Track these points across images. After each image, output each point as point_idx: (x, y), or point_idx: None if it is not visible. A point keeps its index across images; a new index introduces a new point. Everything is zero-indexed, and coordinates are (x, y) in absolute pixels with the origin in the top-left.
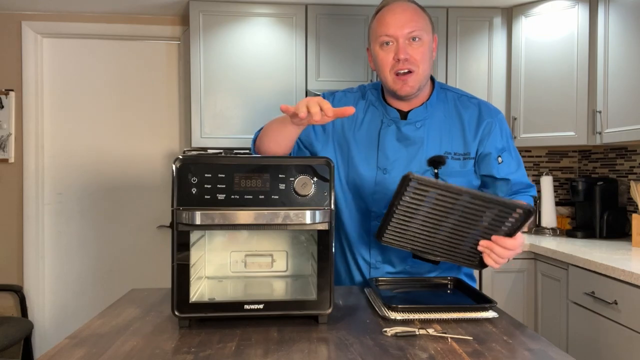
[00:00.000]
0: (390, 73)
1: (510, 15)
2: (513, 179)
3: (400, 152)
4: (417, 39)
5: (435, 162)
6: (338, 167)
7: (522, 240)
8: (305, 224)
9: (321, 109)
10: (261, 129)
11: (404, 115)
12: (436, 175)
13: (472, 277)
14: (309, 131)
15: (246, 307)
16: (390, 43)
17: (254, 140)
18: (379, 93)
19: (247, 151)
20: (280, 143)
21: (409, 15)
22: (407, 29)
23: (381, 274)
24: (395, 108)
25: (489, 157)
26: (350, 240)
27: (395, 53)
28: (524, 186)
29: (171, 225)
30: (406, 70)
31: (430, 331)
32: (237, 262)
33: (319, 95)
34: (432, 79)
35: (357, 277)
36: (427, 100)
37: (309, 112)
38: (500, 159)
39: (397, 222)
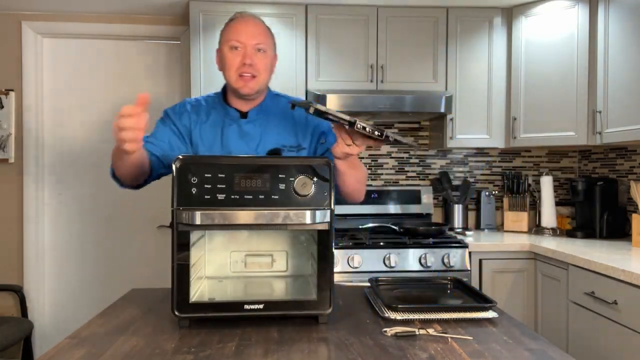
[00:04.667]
0: (235, 73)
1: (510, 15)
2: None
3: (242, 147)
4: (262, 51)
5: (273, 154)
6: None
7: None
8: (305, 224)
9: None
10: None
11: (243, 114)
12: None
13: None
14: (164, 147)
15: (246, 307)
16: (239, 48)
17: (113, 173)
18: (220, 96)
19: None
20: (131, 173)
21: (259, 30)
22: (255, 40)
23: None
24: (235, 108)
25: (323, 135)
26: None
27: (243, 57)
28: None
29: (171, 225)
30: (249, 75)
31: (430, 331)
32: (237, 262)
33: (318, 94)
34: (268, 89)
35: None
36: (262, 102)
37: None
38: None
39: None
